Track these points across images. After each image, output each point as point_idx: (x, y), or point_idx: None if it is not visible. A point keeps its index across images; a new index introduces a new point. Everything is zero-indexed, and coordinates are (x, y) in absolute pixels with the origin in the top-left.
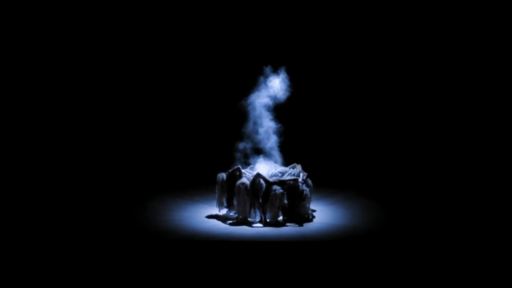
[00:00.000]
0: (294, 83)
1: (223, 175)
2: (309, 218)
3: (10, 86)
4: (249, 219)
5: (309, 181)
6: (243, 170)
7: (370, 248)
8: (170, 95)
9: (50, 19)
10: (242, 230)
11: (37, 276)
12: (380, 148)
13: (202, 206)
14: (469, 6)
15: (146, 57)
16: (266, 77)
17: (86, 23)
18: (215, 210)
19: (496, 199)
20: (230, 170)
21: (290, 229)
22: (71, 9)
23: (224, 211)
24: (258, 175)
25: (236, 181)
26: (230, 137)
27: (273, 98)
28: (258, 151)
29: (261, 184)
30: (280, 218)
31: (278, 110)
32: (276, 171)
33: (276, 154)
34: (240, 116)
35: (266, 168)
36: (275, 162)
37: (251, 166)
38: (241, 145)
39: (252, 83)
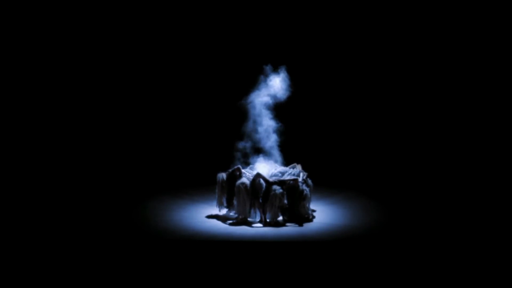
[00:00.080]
0: (294, 83)
1: (223, 175)
2: (309, 218)
3: (10, 86)
4: (249, 219)
5: (309, 181)
6: (243, 170)
7: (370, 248)
8: (170, 95)
9: (50, 19)
10: (242, 230)
11: (37, 276)
12: (380, 148)
13: (202, 206)
14: (469, 6)
15: (146, 57)
16: (266, 76)
17: (86, 23)
18: (215, 210)
19: (496, 199)
20: (230, 170)
21: (290, 229)
22: (71, 9)
23: (224, 211)
24: (258, 175)
25: (236, 181)
26: (230, 137)
27: (273, 97)
28: (258, 151)
29: (261, 184)
30: (280, 218)
31: (278, 109)
32: (276, 171)
33: (276, 153)
34: (240, 116)
35: (266, 168)
36: (275, 161)
37: (251, 166)
38: (241, 145)
39: (252, 82)
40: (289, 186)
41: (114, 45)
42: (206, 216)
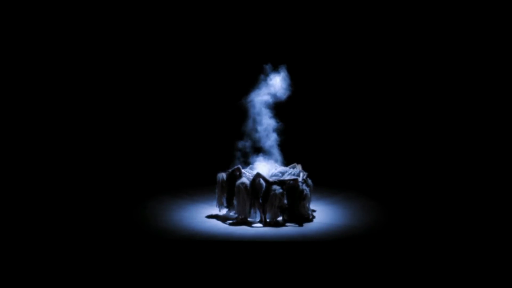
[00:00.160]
0: (294, 82)
1: (223, 175)
2: (309, 218)
3: (10, 86)
4: (249, 219)
5: (309, 181)
6: (243, 170)
7: (370, 248)
8: (169, 95)
9: (50, 19)
10: (242, 230)
11: (37, 276)
12: (380, 148)
13: (202, 206)
14: (469, 6)
15: (146, 57)
16: (267, 75)
17: (86, 23)
18: (215, 210)
19: (496, 198)
20: (230, 170)
21: (290, 229)
22: (71, 9)
23: (224, 211)
24: (258, 175)
25: (236, 181)
26: (230, 136)
27: (274, 96)
28: (258, 150)
29: (261, 184)
30: (280, 218)
31: (278, 109)
32: (276, 171)
33: (276, 153)
34: (240, 115)
35: (266, 167)
36: (275, 161)
37: (251, 166)
38: (241, 144)
39: (252, 82)
40: (289, 186)
41: (114, 45)
42: (206, 216)
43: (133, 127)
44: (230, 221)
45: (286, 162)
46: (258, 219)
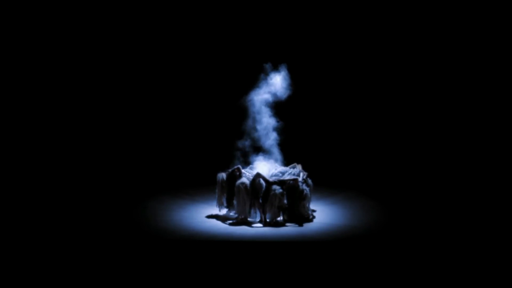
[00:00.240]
0: (294, 82)
1: (223, 175)
2: (309, 218)
3: (10, 86)
4: (249, 219)
5: (309, 181)
6: (243, 170)
7: (370, 248)
8: (169, 95)
9: (50, 19)
10: (242, 230)
11: (37, 276)
12: (380, 148)
13: (202, 206)
14: (469, 6)
15: (146, 57)
16: (267, 75)
17: (86, 23)
18: (215, 210)
19: (496, 198)
20: (230, 170)
21: (290, 229)
22: (71, 9)
23: (224, 211)
24: (258, 175)
25: (236, 181)
26: (230, 136)
27: (274, 96)
28: (258, 150)
29: (261, 184)
30: (280, 218)
31: (279, 108)
32: (276, 171)
33: (276, 152)
34: (240, 115)
35: (266, 167)
36: (275, 161)
37: (251, 165)
38: (241, 144)
39: (253, 81)
40: (289, 186)
41: (114, 46)
42: (206, 216)
43: (133, 128)
44: (230, 221)
45: (286, 162)
46: (258, 219)
